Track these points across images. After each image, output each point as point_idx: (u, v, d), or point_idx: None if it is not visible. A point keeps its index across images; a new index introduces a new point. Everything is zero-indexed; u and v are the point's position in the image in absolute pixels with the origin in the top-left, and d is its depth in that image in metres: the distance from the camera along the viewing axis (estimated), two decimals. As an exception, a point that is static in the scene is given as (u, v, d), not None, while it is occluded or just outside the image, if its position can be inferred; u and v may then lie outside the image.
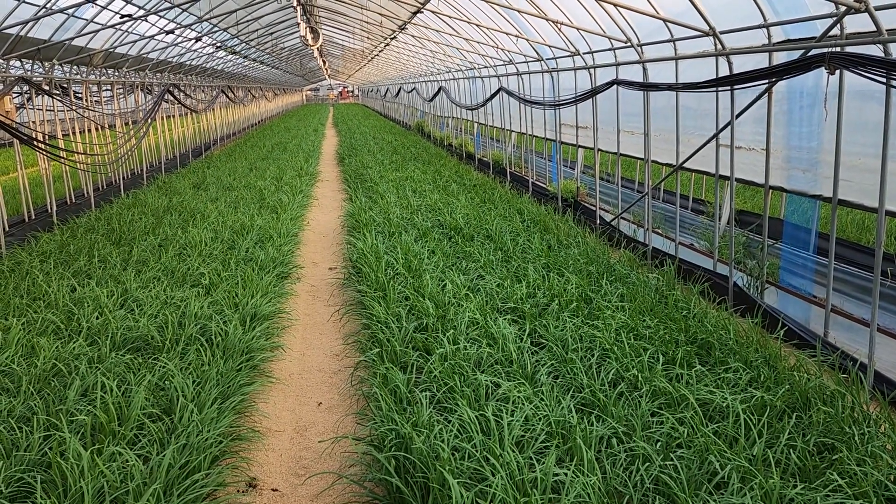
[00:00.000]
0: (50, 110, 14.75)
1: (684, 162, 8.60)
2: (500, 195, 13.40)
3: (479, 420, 4.51)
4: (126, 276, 7.96)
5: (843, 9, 5.46)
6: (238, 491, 4.44)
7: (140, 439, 4.52)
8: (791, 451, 4.15)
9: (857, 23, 5.73)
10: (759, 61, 7.37)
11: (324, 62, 39.38)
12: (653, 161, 9.71)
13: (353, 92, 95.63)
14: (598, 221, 11.23)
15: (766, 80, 6.43)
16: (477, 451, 4.14)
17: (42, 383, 5.29)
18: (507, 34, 11.89)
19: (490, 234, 9.89)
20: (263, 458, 4.86)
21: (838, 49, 5.60)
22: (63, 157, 11.67)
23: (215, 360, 5.64)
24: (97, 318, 6.61)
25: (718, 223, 8.38)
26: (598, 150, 11.47)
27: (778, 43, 6.81)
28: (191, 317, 6.59)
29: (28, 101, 12.29)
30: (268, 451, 4.97)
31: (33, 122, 12.30)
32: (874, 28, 5.22)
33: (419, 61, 24.18)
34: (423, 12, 13.74)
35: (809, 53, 5.91)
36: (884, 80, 4.89)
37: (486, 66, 17.38)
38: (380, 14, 14.43)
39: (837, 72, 5.65)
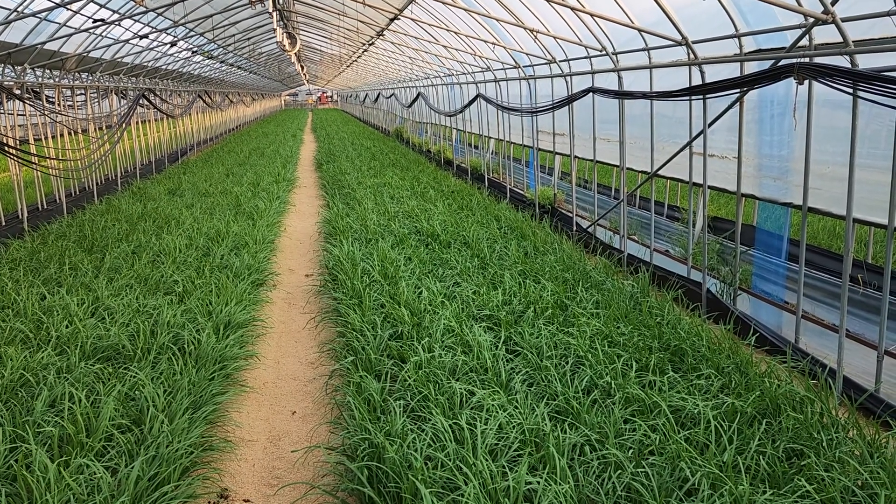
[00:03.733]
0: (21, 115, 14.53)
1: (658, 169, 8.68)
2: (478, 201, 13.42)
3: (453, 428, 4.51)
4: (98, 283, 7.85)
5: (811, 20, 5.56)
6: (209, 503, 4.39)
7: (109, 451, 4.45)
8: (761, 457, 4.20)
9: (825, 34, 5.84)
10: (732, 70, 7.48)
11: (302, 67, 39.25)
12: (628, 168, 9.80)
13: (332, 97, 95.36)
14: (574, 228, 11.29)
15: (738, 90, 6.52)
16: (450, 459, 4.13)
17: (9, 394, 5.19)
18: (485, 42, 11.95)
19: (467, 241, 9.90)
20: (235, 469, 4.81)
21: (807, 60, 5.70)
22: (34, 163, 11.49)
23: (187, 370, 5.57)
24: (67, 326, 6.50)
25: (692, 230, 8.47)
26: (575, 157, 11.54)
27: (749, 53, 6.91)
28: (163, 325, 6.51)
29: (-1, 105, 12.09)
30: (240, 462, 4.92)
31: (4, 127, 12.09)
32: (841, 39, 5.31)
33: (398, 67, 24.19)
34: (400, 19, 13.74)
35: (779, 64, 6.00)
36: (851, 90, 4.97)
37: (464, 73, 17.43)
38: (357, 20, 14.41)
39: (806, 82, 5.74)
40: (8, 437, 4.49)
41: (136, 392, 5.18)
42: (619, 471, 4.08)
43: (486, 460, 4.06)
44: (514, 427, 4.53)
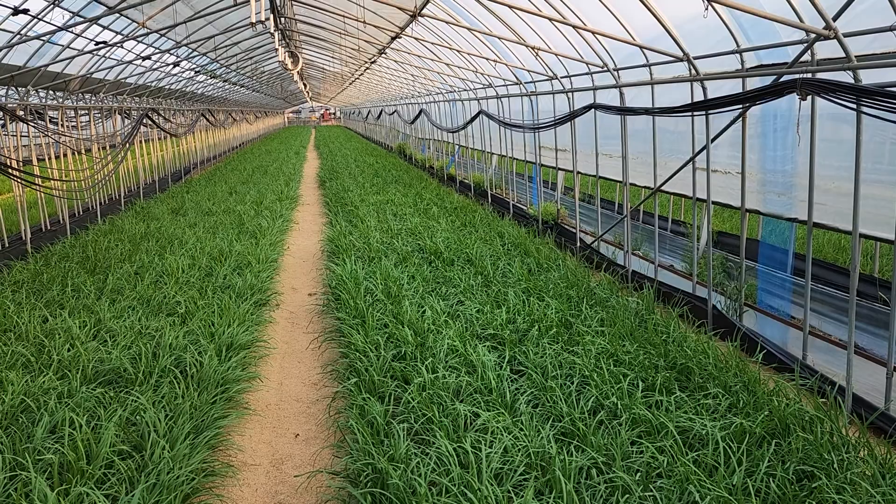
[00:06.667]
0: (25, 136, 14.60)
1: (662, 185, 8.65)
2: (481, 218, 13.40)
3: (458, 452, 4.45)
4: (100, 305, 7.82)
5: (812, 36, 5.54)
6: (211, 530, 4.33)
7: (109, 478, 4.39)
8: (771, 479, 4.13)
9: (827, 49, 5.81)
10: (733, 86, 7.46)
11: (304, 85, 39.45)
12: (631, 184, 9.76)
13: (334, 114, 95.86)
14: (578, 244, 11.25)
15: (740, 106, 6.50)
16: (455, 485, 4.07)
17: (9, 420, 5.14)
18: (486, 59, 11.97)
19: (470, 259, 9.86)
20: (238, 495, 4.75)
21: (810, 75, 5.67)
22: (38, 184, 11.51)
23: (189, 393, 5.53)
24: (68, 350, 6.47)
25: (697, 245, 8.42)
26: (578, 172, 11.53)
27: (751, 68, 6.90)
28: (165, 347, 6.47)
29: (2, 127, 12.14)
30: (242, 487, 4.85)
31: (7, 148, 12.14)
32: (844, 54, 5.29)
33: (400, 84, 24.28)
34: (401, 38, 13.80)
35: (781, 79, 5.98)
36: (854, 106, 4.94)
37: (465, 90, 17.48)
38: (359, 39, 14.48)
39: (809, 97, 5.71)
40: (8, 464, 4.44)
41: (138, 417, 5.13)
42: (627, 495, 4.02)
43: (492, 485, 4.00)
44: (519, 450, 4.47)
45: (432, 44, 12.35)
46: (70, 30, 10.94)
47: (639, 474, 4.23)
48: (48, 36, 10.84)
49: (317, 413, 6.00)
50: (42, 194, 12.76)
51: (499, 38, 10.06)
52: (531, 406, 5.29)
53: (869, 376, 6.08)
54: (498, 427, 4.73)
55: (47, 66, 11.76)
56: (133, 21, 12.57)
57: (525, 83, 12.88)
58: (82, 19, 10.75)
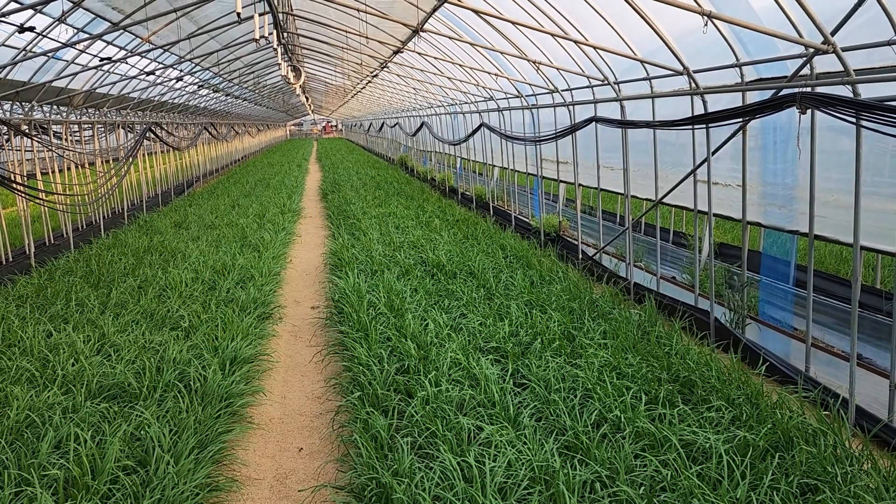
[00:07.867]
0: (29, 150, 14.69)
1: (663, 197, 8.68)
2: (483, 230, 13.43)
3: (462, 466, 4.45)
4: (104, 319, 7.85)
5: (811, 50, 5.59)
6: (215, 545, 4.33)
7: (114, 493, 4.40)
8: (774, 492, 4.13)
9: (826, 63, 5.86)
10: (732, 99, 7.51)
11: (307, 98, 39.63)
12: (633, 196, 9.80)
13: (336, 126, 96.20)
14: (580, 256, 11.27)
15: (740, 119, 6.54)
16: (459, 499, 4.08)
17: (14, 435, 5.16)
18: (488, 73, 12.05)
19: (473, 271, 9.88)
20: (242, 509, 4.76)
21: (809, 89, 5.71)
22: (41, 199, 11.57)
23: (193, 408, 5.54)
24: (73, 364, 6.49)
25: (698, 257, 8.44)
26: (580, 185, 11.57)
27: (750, 82, 6.95)
28: (169, 362, 6.49)
29: (6, 142, 12.21)
30: (246, 502, 4.86)
31: (11, 163, 12.21)
32: (842, 68, 5.33)
33: (402, 97, 24.40)
34: (403, 52, 13.90)
35: (781, 93, 6.02)
36: (854, 120, 4.98)
37: (467, 102, 17.56)
38: (361, 53, 14.58)
39: (809, 111, 5.75)
40: (13, 480, 4.45)
41: (142, 432, 5.14)
42: (631, 509, 4.02)
43: (496, 499, 4.01)
44: (523, 464, 4.47)
45: (434, 58, 12.43)
46: (74, 46, 11.03)
47: (642, 488, 4.24)
48: (53, 52, 10.93)
49: (320, 427, 6.01)
50: (46, 208, 12.81)
51: (500, 53, 10.14)
52: (534, 419, 5.30)
53: (872, 388, 6.08)
54: (501, 441, 4.74)
55: (52, 81, 11.85)
56: (137, 37, 12.67)
57: (526, 96, 12.95)
58: (87, 36, 10.86)
